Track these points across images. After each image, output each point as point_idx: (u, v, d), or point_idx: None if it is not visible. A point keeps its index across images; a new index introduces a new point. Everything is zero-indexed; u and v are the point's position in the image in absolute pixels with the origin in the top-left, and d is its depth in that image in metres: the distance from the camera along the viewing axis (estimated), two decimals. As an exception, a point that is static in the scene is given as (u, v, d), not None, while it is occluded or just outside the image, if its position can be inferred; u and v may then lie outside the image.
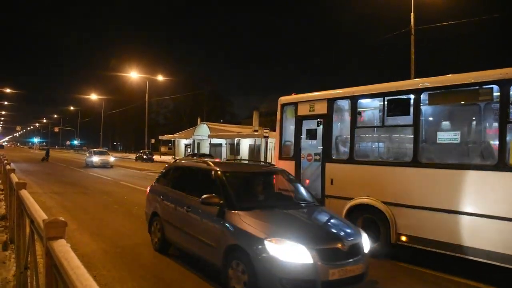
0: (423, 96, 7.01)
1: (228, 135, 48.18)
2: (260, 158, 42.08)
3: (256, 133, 41.24)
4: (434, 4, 25.02)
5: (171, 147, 71.89)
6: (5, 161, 13.15)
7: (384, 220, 7.25)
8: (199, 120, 60.58)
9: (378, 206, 7.32)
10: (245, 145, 47.56)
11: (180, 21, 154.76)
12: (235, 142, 47.31)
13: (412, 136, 7.00)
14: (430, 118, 7.61)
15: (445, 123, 7.46)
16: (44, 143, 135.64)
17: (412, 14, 22.59)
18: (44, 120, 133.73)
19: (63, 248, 2.18)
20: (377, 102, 8.24)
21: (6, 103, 72.37)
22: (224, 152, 51.11)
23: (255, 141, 42.92)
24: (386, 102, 7.47)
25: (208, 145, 52.06)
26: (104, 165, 34.43)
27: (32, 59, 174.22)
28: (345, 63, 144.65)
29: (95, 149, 40.54)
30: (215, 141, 50.87)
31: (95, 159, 34.75)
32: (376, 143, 8.68)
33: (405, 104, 7.23)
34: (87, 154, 38.25)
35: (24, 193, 4.65)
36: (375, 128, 8.68)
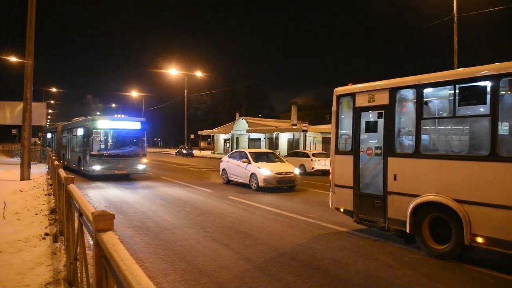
0: (503, 82, 6.39)
1: (266, 130, 48.31)
2: (298, 152, 41.93)
3: (294, 127, 41.11)
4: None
5: (210, 142, 72.79)
6: (53, 157, 13.71)
7: (456, 220, 6.72)
8: (237, 114, 60.97)
9: (449, 204, 6.79)
10: (283, 139, 47.54)
11: (218, 16, 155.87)
12: (274, 136, 47.33)
13: (490, 127, 6.38)
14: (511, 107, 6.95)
15: None
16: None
17: (454, 1, 21.91)
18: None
19: (112, 240, 2.25)
20: (446, 91, 7.66)
21: (52, 101, 74.89)
22: (263, 146, 51.25)
23: (293, 135, 42.78)
24: (457, 90, 6.89)
25: (247, 140, 52.34)
26: (280, 185, 16.38)
27: (74, 58, 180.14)
28: (387, 53, 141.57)
29: (251, 150, 20.19)
30: (254, 135, 51.10)
31: (265, 172, 16.10)
32: (446, 136, 8.00)
33: (480, 92, 6.65)
34: (232, 159, 18.61)
35: (72, 187, 4.84)
36: (445, 119, 7.96)
